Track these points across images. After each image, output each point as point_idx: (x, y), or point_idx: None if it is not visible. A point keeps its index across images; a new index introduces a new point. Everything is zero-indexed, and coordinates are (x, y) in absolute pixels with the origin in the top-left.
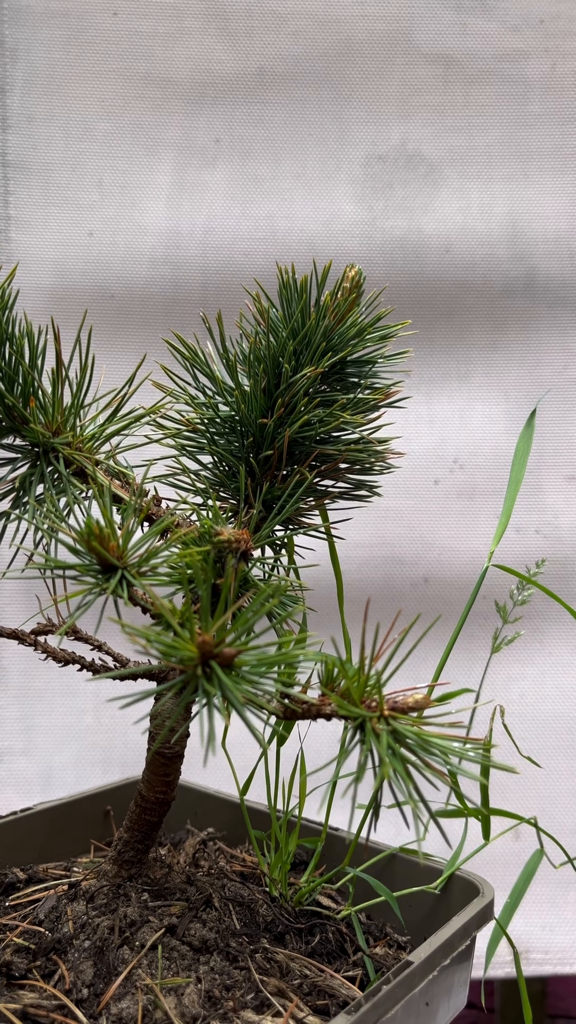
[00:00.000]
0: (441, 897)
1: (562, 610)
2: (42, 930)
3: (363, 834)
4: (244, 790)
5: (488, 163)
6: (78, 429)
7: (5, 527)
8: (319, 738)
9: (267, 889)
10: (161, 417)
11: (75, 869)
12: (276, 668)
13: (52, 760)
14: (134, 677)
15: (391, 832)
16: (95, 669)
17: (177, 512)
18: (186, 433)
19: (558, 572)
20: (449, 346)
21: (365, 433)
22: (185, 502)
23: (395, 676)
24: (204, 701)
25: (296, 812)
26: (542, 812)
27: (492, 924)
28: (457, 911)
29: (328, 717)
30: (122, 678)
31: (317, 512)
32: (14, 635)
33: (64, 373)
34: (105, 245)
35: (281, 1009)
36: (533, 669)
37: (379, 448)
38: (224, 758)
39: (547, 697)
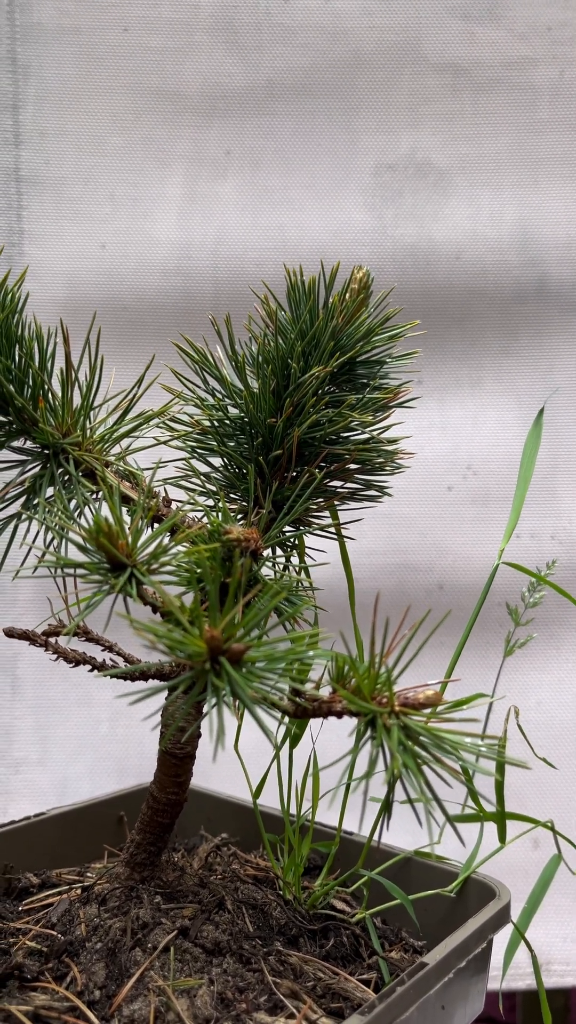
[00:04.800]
0: (457, 901)
1: None
2: (54, 933)
3: (376, 835)
4: (257, 793)
5: (498, 170)
6: (88, 431)
7: (16, 527)
8: (332, 745)
9: (281, 892)
10: (171, 419)
11: (88, 874)
12: (286, 664)
13: (67, 770)
14: (145, 677)
15: (407, 840)
16: (106, 669)
17: (186, 509)
18: (196, 435)
19: (574, 578)
20: (461, 352)
21: (375, 433)
22: (194, 502)
23: (407, 677)
24: (214, 700)
25: (310, 816)
26: (562, 820)
27: (510, 931)
28: (473, 914)
29: (339, 714)
30: (132, 677)
31: (328, 513)
32: (25, 636)
33: (73, 375)
34: (117, 257)
35: (294, 1011)
36: (550, 676)
37: (388, 448)
38: (238, 764)
39: (565, 705)
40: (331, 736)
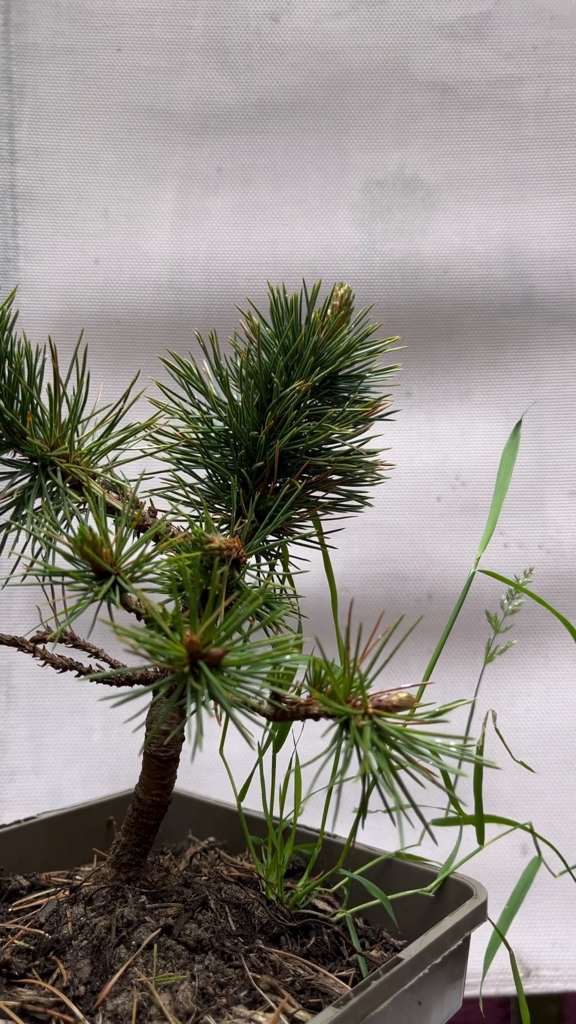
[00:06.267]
0: (436, 901)
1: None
2: (42, 932)
3: (355, 836)
4: (241, 796)
5: (485, 186)
6: (75, 443)
7: (5, 538)
8: (317, 750)
9: (264, 893)
10: (157, 432)
11: (78, 877)
12: (273, 669)
13: (61, 778)
14: (130, 682)
15: (392, 842)
16: (91, 673)
17: (170, 519)
18: (181, 447)
19: (562, 587)
20: (449, 365)
21: (355, 445)
22: (178, 511)
23: (394, 683)
24: (193, 707)
25: (295, 819)
26: (551, 826)
27: (490, 932)
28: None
29: (316, 717)
30: (117, 681)
31: (312, 522)
32: (14, 642)
33: (62, 390)
34: (111, 272)
35: (273, 1005)
36: (539, 684)
37: (369, 459)
38: (225, 770)
39: (553, 712)
40: (317, 743)
